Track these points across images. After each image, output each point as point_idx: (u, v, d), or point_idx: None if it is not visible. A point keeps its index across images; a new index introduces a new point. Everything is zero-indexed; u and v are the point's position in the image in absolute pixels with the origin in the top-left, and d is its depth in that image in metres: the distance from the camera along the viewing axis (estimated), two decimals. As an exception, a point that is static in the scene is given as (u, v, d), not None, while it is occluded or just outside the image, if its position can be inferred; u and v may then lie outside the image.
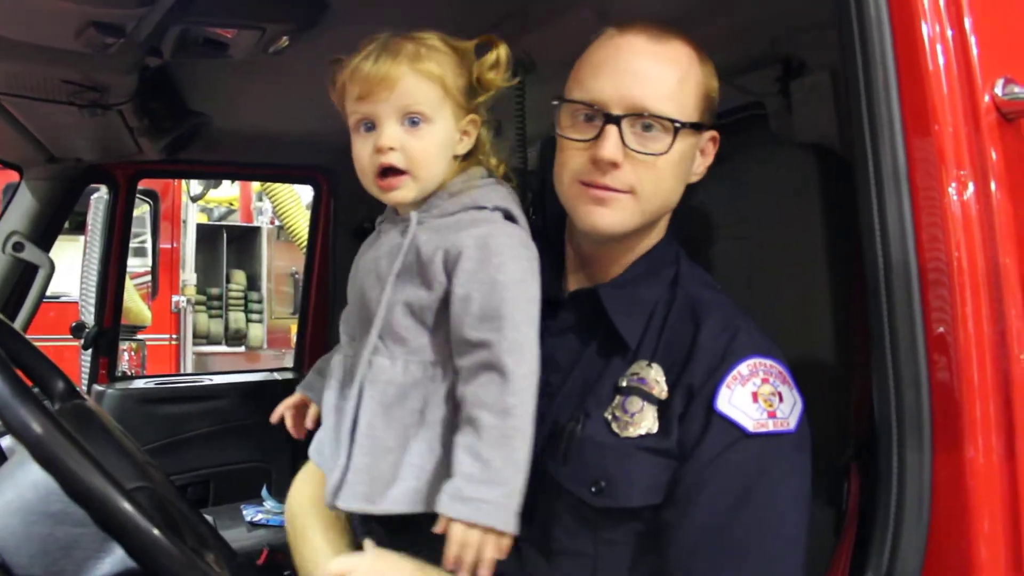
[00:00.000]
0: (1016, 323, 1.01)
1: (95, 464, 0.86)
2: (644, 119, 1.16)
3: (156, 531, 0.87)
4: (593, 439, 1.17)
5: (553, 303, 1.29)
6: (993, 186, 1.02)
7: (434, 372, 1.20)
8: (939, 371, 1.01)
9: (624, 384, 1.18)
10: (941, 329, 1.00)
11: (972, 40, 1.03)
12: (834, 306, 1.29)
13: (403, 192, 1.21)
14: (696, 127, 1.20)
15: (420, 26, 1.44)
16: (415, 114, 1.19)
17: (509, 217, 1.23)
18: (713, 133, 1.25)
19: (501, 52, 1.26)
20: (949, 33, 1.04)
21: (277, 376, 3.67)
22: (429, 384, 1.20)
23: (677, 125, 1.16)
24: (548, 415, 1.23)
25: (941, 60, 1.03)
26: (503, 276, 1.14)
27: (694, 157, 1.24)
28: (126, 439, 1.24)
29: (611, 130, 1.15)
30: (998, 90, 1.03)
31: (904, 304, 1.02)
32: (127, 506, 0.86)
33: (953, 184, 1.01)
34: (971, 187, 1.01)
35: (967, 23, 1.04)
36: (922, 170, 1.02)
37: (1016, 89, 1.03)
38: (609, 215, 1.18)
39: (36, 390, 1.22)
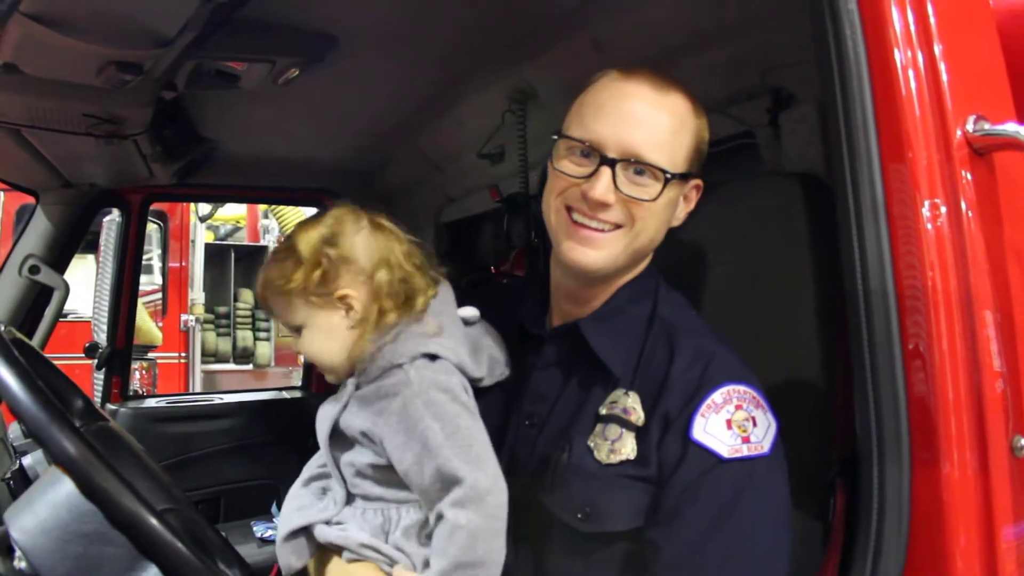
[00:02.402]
0: (987, 343, 1.06)
1: (132, 490, 0.92)
2: (637, 165, 1.20)
3: (189, 552, 0.92)
4: (578, 467, 1.21)
5: (537, 336, 1.35)
6: (965, 213, 1.07)
7: (397, 511, 1.26)
8: (916, 389, 1.05)
9: (604, 412, 1.22)
10: (918, 347, 1.05)
11: (945, 80, 1.08)
12: (819, 328, 1.33)
13: (327, 379, 1.33)
14: (684, 177, 1.25)
15: (421, 58, 1.47)
16: (290, 325, 1.31)
17: (430, 355, 1.27)
18: (697, 182, 1.29)
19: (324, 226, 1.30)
20: (924, 72, 1.09)
21: (285, 395, 3.72)
22: (392, 519, 1.26)
23: (668, 176, 1.21)
24: (537, 446, 1.28)
25: (916, 96, 1.08)
26: (433, 437, 1.18)
27: (678, 203, 1.28)
28: (150, 461, 1.29)
29: (605, 171, 1.20)
30: (969, 126, 1.08)
31: (883, 324, 1.06)
32: (162, 529, 0.92)
33: (928, 211, 1.06)
34: (944, 214, 1.06)
35: (940, 65, 1.09)
36: (898, 198, 1.07)
37: (986, 126, 1.08)
38: (594, 254, 1.23)
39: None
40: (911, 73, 1.09)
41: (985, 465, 1.04)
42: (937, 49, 1.10)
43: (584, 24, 1.76)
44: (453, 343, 1.27)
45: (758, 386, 1.18)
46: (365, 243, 1.29)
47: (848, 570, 1.09)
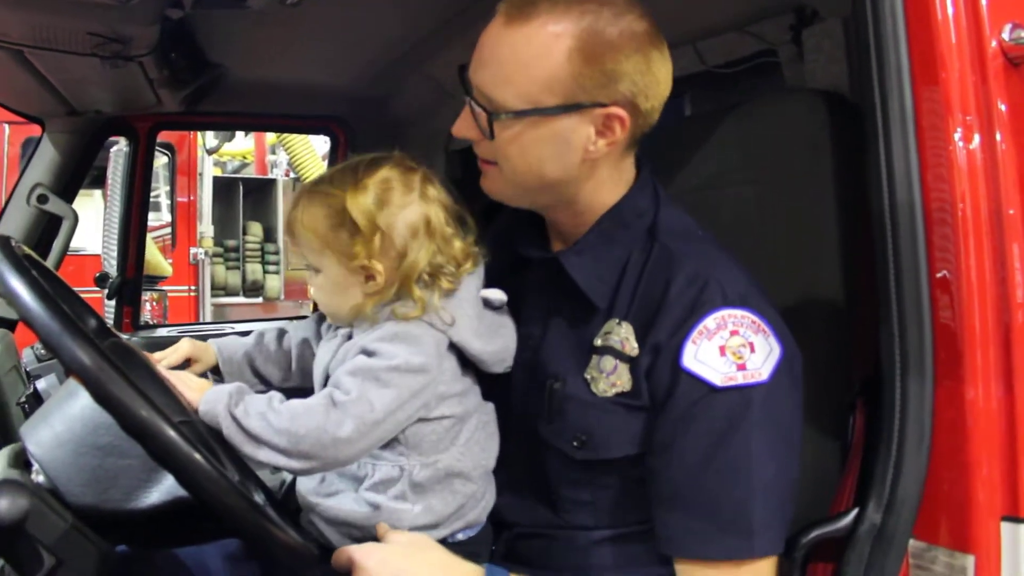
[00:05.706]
0: (1017, 270, 1.02)
1: (147, 400, 0.91)
2: (477, 101, 1.15)
3: (206, 462, 0.92)
4: (575, 398, 1.20)
5: (527, 260, 1.31)
6: (998, 134, 1.03)
7: (373, 466, 1.22)
8: (942, 312, 1.03)
9: (599, 343, 1.19)
10: (944, 273, 1.03)
11: (980, -14, 1.04)
12: (841, 247, 1.30)
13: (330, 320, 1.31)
14: (541, 112, 1.12)
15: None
16: (309, 263, 1.26)
17: None
18: (613, 111, 1.13)
19: (372, 189, 1.20)
20: (958, -21, 1.05)
21: (296, 325, 3.72)
22: (368, 473, 1.22)
23: (491, 115, 1.13)
24: (536, 368, 1.26)
25: (949, 7, 1.04)
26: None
27: (573, 136, 1.14)
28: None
29: (466, 107, 1.18)
30: (1005, 35, 1.04)
31: (909, 246, 1.04)
32: (178, 438, 0.91)
33: (959, 130, 1.03)
34: (976, 134, 1.03)
35: (976, -30, 1.05)
36: (929, 116, 1.04)
37: (1023, 34, 1.04)
38: (487, 183, 1.23)
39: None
40: (945, -17, 1.04)
41: (1011, 394, 1.01)
42: (972, -44, 1.05)
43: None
44: (462, 328, 1.22)
45: (762, 310, 1.12)
46: (407, 219, 1.20)
47: (867, 491, 1.09)
